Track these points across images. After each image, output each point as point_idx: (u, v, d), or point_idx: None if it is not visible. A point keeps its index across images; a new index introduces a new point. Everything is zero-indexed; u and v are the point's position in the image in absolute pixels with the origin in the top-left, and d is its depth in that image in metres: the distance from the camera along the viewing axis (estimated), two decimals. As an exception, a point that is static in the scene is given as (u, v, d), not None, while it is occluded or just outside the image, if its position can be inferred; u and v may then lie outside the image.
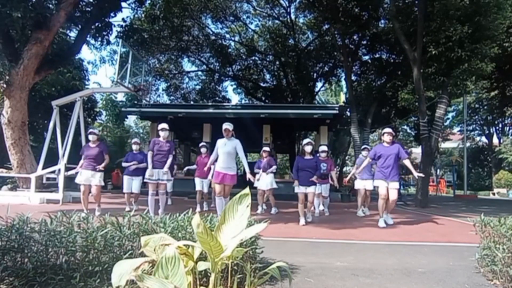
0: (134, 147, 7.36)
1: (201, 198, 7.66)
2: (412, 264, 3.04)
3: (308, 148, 5.76)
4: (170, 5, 15.19)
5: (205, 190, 7.62)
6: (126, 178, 7.16)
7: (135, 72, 9.98)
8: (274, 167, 7.54)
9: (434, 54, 9.73)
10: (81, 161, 6.09)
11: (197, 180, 7.59)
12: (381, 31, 13.64)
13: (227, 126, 5.29)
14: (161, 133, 5.68)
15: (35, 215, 2.21)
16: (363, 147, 8.05)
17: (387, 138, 5.64)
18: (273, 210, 7.37)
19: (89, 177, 5.95)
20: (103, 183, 6.27)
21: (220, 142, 5.28)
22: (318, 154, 6.67)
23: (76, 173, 6.33)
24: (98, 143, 6.20)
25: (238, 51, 21.39)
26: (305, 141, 5.93)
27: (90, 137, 6.15)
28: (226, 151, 5.15)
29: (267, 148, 7.69)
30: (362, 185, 7.24)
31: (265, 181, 7.31)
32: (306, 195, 5.72)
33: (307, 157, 5.76)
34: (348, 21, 13.04)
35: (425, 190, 10.71)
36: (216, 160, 5.29)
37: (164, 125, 5.68)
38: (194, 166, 7.92)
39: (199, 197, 7.61)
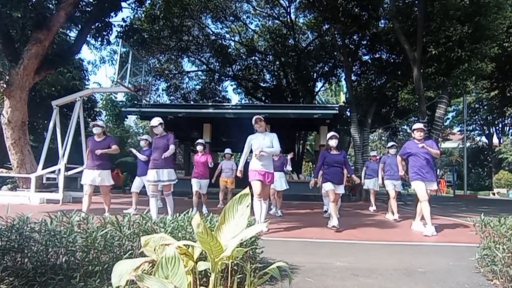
0: (141, 143, 7.13)
1: (198, 199, 7.08)
2: (412, 264, 3.03)
3: (333, 142, 5.15)
4: (170, 5, 15.20)
5: (204, 191, 7.10)
6: (137, 179, 6.98)
7: (135, 72, 9.98)
8: (289, 167, 7.21)
9: (434, 54, 9.74)
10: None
11: (194, 181, 6.97)
12: (381, 31, 13.64)
13: (259, 115, 4.66)
14: (154, 130, 5.17)
15: (35, 215, 2.21)
16: (390, 144, 7.41)
17: (417, 134, 5.07)
18: (279, 212, 6.92)
19: (96, 177, 5.38)
20: (112, 182, 5.65)
21: (256, 137, 4.62)
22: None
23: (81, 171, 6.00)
24: (104, 137, 5.55)
25: (238, 51, 21.40)
26: (329, 134, 5.29)
27: (94, 130, 5.50)
28: (267, 146, 4.52)
29: None
30: (392, 185, 6.73)
31: (278, 181, 6.58)
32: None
33: (334, 152, 5.19)
34: (348, 21, 13.04)
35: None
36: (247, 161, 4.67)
37: (153, 122, 5.10)
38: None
39: (195, 200, 6.95)
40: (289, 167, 7.32)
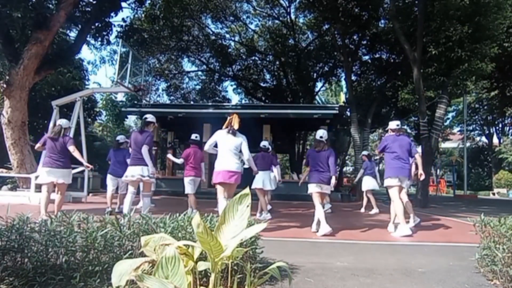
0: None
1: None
2: (412, 264, 3.03)
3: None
4: (170, 5, 15.19)
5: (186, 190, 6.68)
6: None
7: (135, 72, 9.98)
8: (275, 167, 6.80)
9: (434, 54, 9.73)
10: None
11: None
12: (381, 31, 13.64)
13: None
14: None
15: (35, 215, 2.21)
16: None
17: None
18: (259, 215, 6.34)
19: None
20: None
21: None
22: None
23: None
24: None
25: (238, 51, 21.40)
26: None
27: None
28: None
29: (263, 143, 6.94)
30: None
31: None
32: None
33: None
34: (348, 21, 13.05)
35: (425, 190, 10.71)
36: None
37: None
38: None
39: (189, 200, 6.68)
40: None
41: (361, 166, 9.35)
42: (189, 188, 6.25)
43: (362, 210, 8.27)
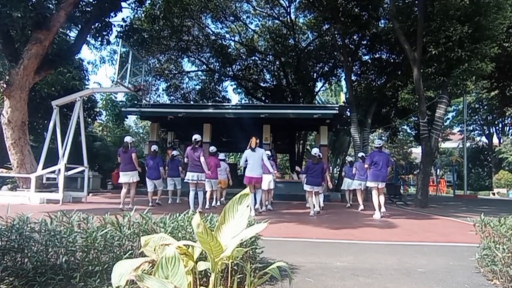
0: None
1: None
2: (412, 264, 3.04)
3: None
4: (170, 5, 15.20)
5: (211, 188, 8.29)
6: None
7: (135, 72, 9.97)
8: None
9: (434, 54, 9.72)
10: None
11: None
12: (381, 31, 13.62)
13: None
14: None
15: (35, 215, 2.21)
16: None
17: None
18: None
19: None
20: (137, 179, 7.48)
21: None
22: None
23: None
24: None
25: (238, 51, 21.38)
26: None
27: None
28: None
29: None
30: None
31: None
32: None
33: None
34: (348, 21, 13.03)
35: (425, 190, 10.70)
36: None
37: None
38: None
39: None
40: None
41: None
42: (207, 186, 8.08)
43: (349, 204, 9.88)
